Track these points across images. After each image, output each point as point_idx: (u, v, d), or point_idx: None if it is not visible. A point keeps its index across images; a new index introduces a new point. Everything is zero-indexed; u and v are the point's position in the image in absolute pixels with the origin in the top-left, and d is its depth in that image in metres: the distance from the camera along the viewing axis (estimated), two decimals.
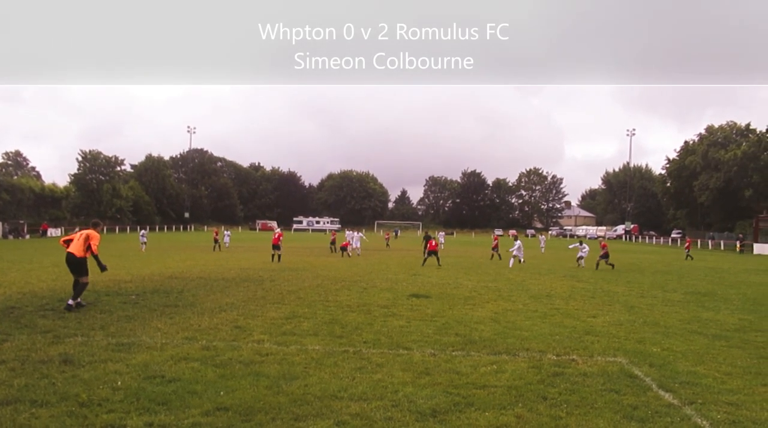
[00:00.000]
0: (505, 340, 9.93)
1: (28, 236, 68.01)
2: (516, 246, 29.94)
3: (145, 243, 40.46)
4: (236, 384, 6.81)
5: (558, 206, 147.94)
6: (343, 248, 35.74)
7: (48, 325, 10.48)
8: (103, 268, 12.75)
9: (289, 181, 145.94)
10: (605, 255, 28.96)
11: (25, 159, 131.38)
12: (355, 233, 44.61)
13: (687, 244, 45.61)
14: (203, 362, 7.83)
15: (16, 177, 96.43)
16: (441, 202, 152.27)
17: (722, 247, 66.73)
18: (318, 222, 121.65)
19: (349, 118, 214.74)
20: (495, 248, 35.46)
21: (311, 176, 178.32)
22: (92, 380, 6.83)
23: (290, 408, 6.01)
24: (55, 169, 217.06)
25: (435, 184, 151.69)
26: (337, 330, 10.44)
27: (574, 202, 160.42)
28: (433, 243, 29.00)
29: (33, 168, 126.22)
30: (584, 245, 30.97)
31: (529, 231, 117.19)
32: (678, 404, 6.56)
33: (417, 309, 13.42)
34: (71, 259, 12.38)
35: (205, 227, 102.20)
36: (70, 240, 12.50)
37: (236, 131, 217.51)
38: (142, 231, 44.07)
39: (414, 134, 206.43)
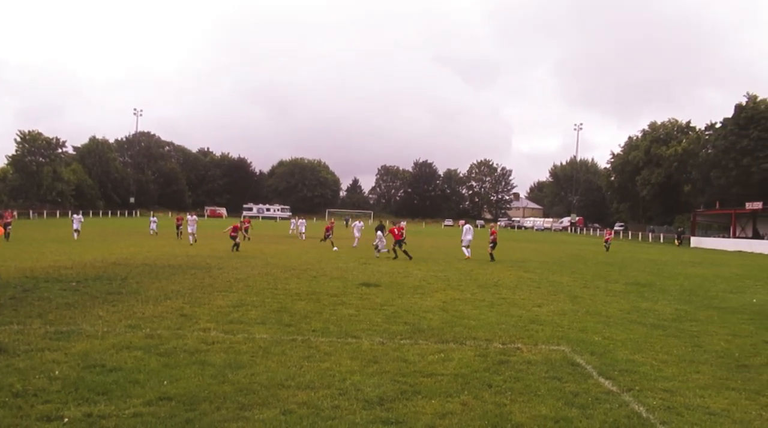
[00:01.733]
0: (453, 329, 10.05)
1: None
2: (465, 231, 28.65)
3: (77, 230, 35.51)
4: (180, 373, 6.67)
5: (507, 197, 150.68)
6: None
7: None
8: None
9: (239, 167, 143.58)
10: (493, 244, 26.82)
11: None
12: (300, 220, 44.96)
13: (607, 236, 43.66)
14: (146, 351, 7.64)
15: None
16: (393, 191, 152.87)
17: (662, 240, 69.27)
18: (269, 210, 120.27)
19: (298, 105, 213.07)
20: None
21: (262, 163, 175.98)
22: (28, 369, 6.57)
23: (236, 397, 5.93)
24: None
25: (387, 174, 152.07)
26: (285, 319, 10.36)
27: (523, 194, 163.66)
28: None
29: None
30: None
31: (479, 222, 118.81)
32: (617, 391, 6.78)
33: (367, 297, 13.44)
34: None
35: (170, 213, 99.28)
36: None
37: (185, 116, 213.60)
38: (75, 215, 38.13)
39: (366, 124, 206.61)
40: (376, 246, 27.71)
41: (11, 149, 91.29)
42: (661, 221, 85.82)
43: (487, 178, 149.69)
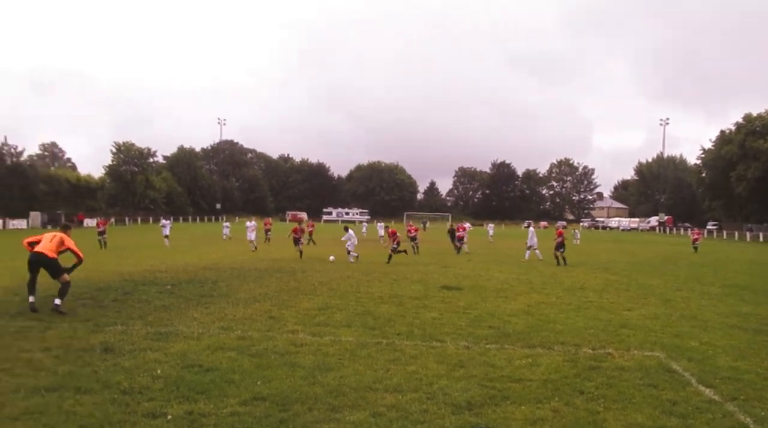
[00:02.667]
0: (540, 333, 9.85)
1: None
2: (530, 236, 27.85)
3: (167, 236, 35.08)
4: (272, 374, 6.89)
5: (590, 197, 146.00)
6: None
7: (88, 314, 10.75)
8: (69, 272, 11.46)
9: (318, 172, 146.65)
10: (560, 246, 24.75)
11: (61, 150, 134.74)
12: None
13: (695, 236, 39.88)
14: (239, 351, 7.94)
15: (53, 168, 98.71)
16: (470, 193, 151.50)
17: (761, 239, 65.07)
18: (347, 214, 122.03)
19: (373, 109, 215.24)
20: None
21: (340, 167, 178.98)
22: (133, 368, 6.99)
23: (326, 398, 6.06)
24: (90, 160, 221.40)
25: (464, 175, 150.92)
26: (369, 322, 10.48)
27: (606, 193, 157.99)
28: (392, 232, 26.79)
29: (69, 159, 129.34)
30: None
31: (560, 223, 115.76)
32: (720, 400, 6.43)
33: (449, 301, 13.39)
34: (41, 259, 11.12)
35: (253, 218, 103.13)
36: (36, 242, 11.43)
37: (265, 123, 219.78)
38: (165, 221, 37.90)
39: (442, 125, 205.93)
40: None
41: (108, 160, 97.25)
42: (760, 219, 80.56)
43: (568, 178, 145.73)
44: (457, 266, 23.03)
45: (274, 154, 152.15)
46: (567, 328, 10.37)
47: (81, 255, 11.69)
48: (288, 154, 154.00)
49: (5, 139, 79.63)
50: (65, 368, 6.95)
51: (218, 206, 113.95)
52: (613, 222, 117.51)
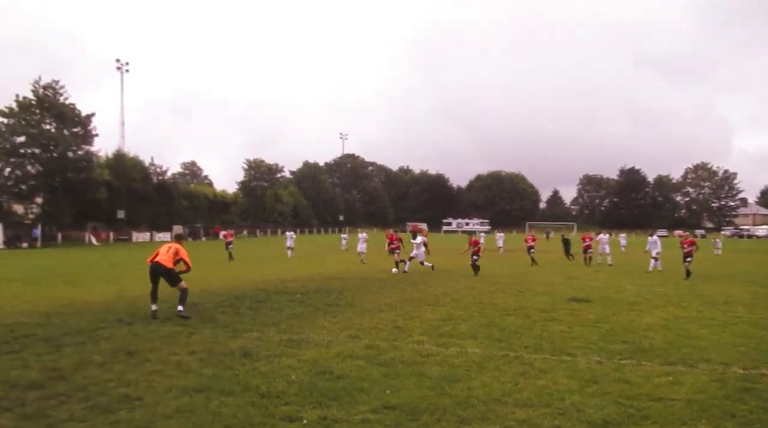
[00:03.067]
0: (680, 350, 9.19)
1: (203, 238, 74.99)
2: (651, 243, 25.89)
3: (291, 247, 35.89)
4: (400, 383, 6.96)
5: (732, 204, 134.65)
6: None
7: (227, 321, 11.47)
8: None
9: (437, 182, 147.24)
10: (688, 256, 22.37)
11: (199, 168, 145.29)
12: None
13: None
14: (368, 360, 8.11)
15: (192, 185, 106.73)
16: (597, 201, 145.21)
17: None
18: (467, 224, 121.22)
19: (492, 118, 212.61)
20: (587, 248, 29.37)
21: (459, 178, 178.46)
22: (269, 373, 7.35)
23: (455, 410, 6.03)
24: (224, 176, 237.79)
25: (589, 183, 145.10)
26: (495, 334, 10.31)
27: (751, 199, 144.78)
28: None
29: (206, 176, 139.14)
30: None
31: (699, 231, 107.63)
32: None
33: (578, 314, 12.87)
34: (159, 270, 12.07)
35: (375, 230, 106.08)
36: (155, 255, 12.34)
37: (385, 136, 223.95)
38: (288, 233, 38.53)
39: (564, 132, 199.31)
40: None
41: (240, 176, 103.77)
42: None
43: (706, 183, 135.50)
44: (584, 277, 22.10)
45: (394, 166, 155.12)
46: (711, 345, 9.60)
47: (190, 264, 12.62)
48: (407, 166, 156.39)
49: (152, 159, 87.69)
50: (209, 371, 7.45)
51: (341, 218, 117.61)
52: (761, 230, 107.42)
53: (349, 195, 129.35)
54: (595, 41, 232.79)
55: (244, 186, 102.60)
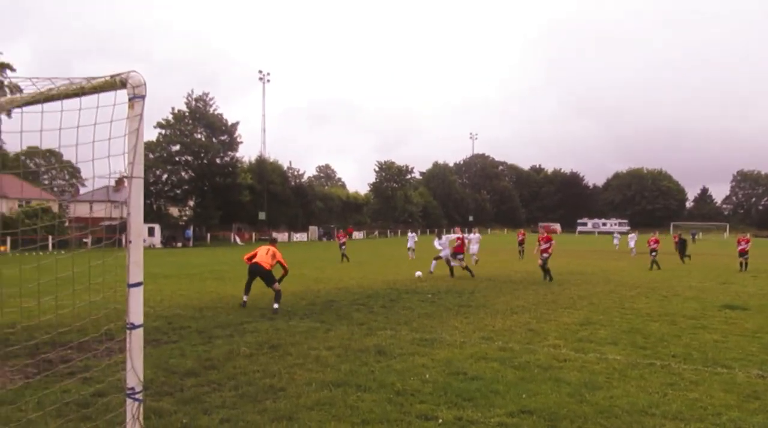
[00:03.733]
0: None
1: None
2: None
3: (412, 249, 34.97)
4: (537, 388, 6.76)
5: None
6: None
7: (361, 318, 11.78)
8: (279, 281, 13.21)
9: (572, 181, 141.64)
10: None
11: (333, 171, 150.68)
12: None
13: None
14: (501, 362, 7.96)
15: (327, 187, 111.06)
16: (753, 199, 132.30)
17: None
18: (604, 224, 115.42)
19: (630, 113, 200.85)
20: (743, 252, 26.48)
21: (595, 176, 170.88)
22: (404, 371, 7.45)
23: (597, 418, 5.75)
24: (356, 179, 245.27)
25: (744, 180, 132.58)
26: (638, 341, 9.71)
27: None
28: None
29: (339, 179, 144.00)
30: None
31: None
32: None
33: (733, 322, 11.79)
34: (258, 270, 13.03)
35: (506, 230, 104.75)
36: (253, 255, 13.34)
37: (514, 135, 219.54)
38: (410, 234, 37.67)
39: (714, 125, 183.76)
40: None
41: (372, 178, 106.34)
42: None
43: None
44: (740, 283, 20.23)
45: (525, 166, 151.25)
46: None
47: (287, 267, 13.58)
48: (539, 165, 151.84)
49: (290, 163, 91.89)
50: (347, 366, 7.69)
51: (470, 218, 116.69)
52: None
53: (478, 195, 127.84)
54: (748, 29, 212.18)
55: (375, 187, 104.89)
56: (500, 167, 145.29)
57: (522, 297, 15.52)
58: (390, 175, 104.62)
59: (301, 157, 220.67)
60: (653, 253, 27.66)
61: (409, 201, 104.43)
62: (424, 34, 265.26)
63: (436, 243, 23.51)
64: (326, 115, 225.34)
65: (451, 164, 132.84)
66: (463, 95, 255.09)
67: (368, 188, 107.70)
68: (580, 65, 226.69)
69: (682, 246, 31.93)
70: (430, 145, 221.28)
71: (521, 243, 36.70)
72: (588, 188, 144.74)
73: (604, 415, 5.86)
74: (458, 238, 21.92)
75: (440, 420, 5.62)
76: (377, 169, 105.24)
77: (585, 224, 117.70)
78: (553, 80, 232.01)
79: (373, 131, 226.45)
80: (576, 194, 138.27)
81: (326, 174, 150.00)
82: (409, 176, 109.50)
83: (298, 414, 5.78)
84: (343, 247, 32.65)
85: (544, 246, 20.57)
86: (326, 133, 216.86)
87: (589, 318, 12.08)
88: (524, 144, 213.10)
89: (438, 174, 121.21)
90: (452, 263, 21.46)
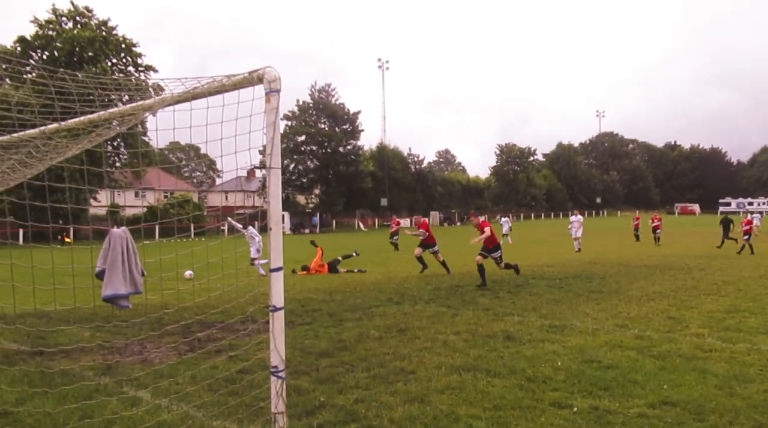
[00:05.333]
0: None
1: (458, 223, 77.50)
2: None
3: (506, 234, 34.28)
4: (679, 378, 6.37)
5: None
6: None
7: (487, 303, 11.70)
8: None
9: (711, 158, 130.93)
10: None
11: (452, 156, 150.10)
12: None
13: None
14: (639, 351, 7.58)
15: (446, 172, 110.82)
16: None
17: None
18: (750, 204, 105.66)
19: None
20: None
21: (738, 152, 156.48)
22: (534, 357, 7.31)
23: (750, 413, 5.31)
24: (476, 163, 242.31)
25: None
26: None
27: None
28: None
29: (459, 163, 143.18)
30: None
31: None
32: None
33: None
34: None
35: (636, 212, 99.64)
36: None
37: (645, 111, 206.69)
38: (504, 219, 37.53)
39: None
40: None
41: (492, 161, 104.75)
42: None
43: None
44: None
45: (659, 143, 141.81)
46: None
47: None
48: (675, 142, 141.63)
49: (410, 149, 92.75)
50: (475, 351, 7.68)
51: (598, 200, 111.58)
52: None
53: (607, 176, 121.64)
54: None
55: (496, 171, 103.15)
56: (630, 145, 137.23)
57: (658, 282, 14.65)
58: (511, 157, 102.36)
59: (421, 142, 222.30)
60: (746, 237, 24.23)
61: (531, 184, 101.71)
62: (543, 9, 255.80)
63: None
64: (445, 100, 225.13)
65: (576, 144, 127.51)
66: (588, 71, 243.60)
67: (489, 172, 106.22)
68: (717, 30, 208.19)
69: (726, 226, 27.97)
70: (553, 126, 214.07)
71: (636, 228, 35.43)
72: (731, 165, 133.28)
73: (759, 410, 5.40)
74: (418, 226, 19.36)
75: (575, 409, 5.47)
76: (498, 152, 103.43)
77: (728, 204, 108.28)
78: (688, 48, 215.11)
79: (493, 114, 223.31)
80: (717, 172, 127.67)
81: (446, 159, 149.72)
82: (531, 158, 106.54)
83: (429, 397, 5.86)
84: (396, 238, 30.98)
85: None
86: (445, 118, 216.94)
87: (736, 305, 11.17)
88: (657, 120, 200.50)
89: (562, 155, 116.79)
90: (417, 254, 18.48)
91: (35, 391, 5.92)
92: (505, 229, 35.26)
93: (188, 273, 14.68)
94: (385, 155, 77.90)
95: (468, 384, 6.29)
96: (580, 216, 29.87)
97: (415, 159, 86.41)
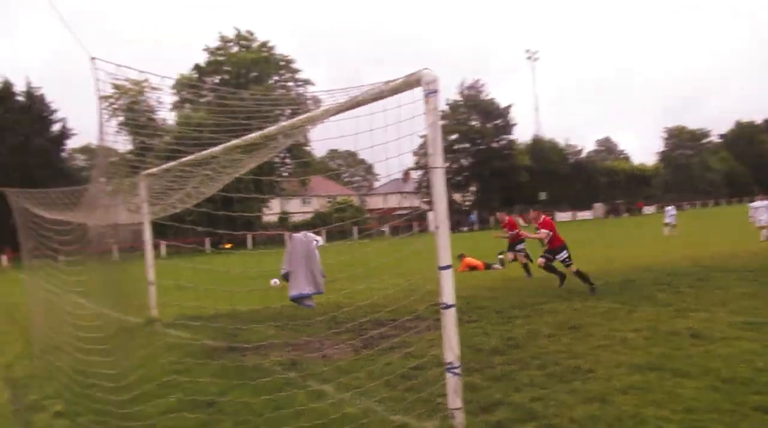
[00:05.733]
0: None
1: (626, 214, 73.07)
2: None
3: (668, 224, 30.96)
4: None
5: None
6: None
7: (667, 299, 10.86)
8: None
9: None
10: None
11: (613, 144, 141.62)
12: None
13: None
14: None
15: (609, 161, 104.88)
16: None
17: None
18: None
19: None
20: None
21: None
22: (728, 357, 6.64)
23: None
24: (639, 149, 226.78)
25: None
26: None
27: None
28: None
29: (621, 151, 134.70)
30: None
31: None
32: None
33: None
34: None
35: None
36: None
37: None
38: (668, 208, 33.22)
39: None
40: None
41: (658, 147, 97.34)
42: None
43: None
44: None
45: None
46: None
47: None
48: None
49: (566, 140, 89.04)
50: (658, 350, 7.16)
51: None
52: None
53: None
54: None
55: (664, 156, 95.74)
56: None
57: None
58: (681, 141, 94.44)
59: (578, 132, 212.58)
60: None
61: (707, 168, 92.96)
62: None
63: None
64: (602, 86, 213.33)
65: (760, 122, 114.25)
66: (764, 38, 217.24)
67: (656, 158, 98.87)
68: None
69: None
70: (729, 104, 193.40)
71: None
72: None
73: None
74: (504, 226, 17.28)
75: None
76: (666, 136, 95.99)
77: None
78: None
79: (656, 97, 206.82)
80: None
81: (607, 147, 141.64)
82: (705, 140, 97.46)
83: (611, 397, 5.58)
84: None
85: None
86: (603, 105, 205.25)
87: None
88: None
89: (743, 135, 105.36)
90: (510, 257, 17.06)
91: (234, 383, 6.51)
92: (668, 219, 32.28)
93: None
94: (540, 148, 75.71)
95: (653, 384, 5.89)
96: (766, 201, 26.67)
97: (573, 149, 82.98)
